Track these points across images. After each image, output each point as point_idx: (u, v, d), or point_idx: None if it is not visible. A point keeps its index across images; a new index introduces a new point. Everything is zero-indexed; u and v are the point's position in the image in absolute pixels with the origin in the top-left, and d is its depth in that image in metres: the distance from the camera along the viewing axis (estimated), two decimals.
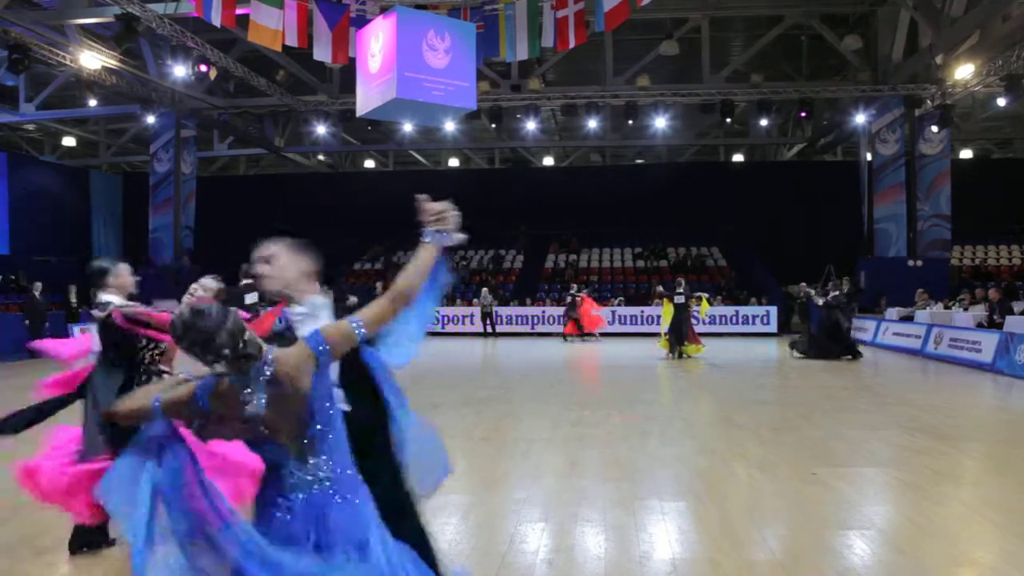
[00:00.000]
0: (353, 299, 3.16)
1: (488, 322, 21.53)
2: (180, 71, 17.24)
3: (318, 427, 2.18)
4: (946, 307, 16.95)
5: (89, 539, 4.05)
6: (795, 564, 3.87)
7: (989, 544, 4.23)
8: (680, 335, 14.53)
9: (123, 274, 4.05)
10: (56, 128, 26.93)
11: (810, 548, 4.11)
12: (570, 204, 28.16)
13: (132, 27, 14.98)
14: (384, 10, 11.30)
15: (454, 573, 2.77)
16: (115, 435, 3.51)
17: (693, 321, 15.26)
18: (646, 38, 20.79)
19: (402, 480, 2.81)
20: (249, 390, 2.12)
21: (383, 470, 2.71)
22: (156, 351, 3.98)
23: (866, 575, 3.71)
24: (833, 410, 8.39)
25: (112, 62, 18.12)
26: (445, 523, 4.53)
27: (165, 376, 3.82)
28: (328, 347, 2.22)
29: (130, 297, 4.13)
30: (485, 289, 22.25)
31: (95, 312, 3.95)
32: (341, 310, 2.90)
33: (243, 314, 2.14)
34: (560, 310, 22.46)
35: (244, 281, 9.27)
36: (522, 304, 23.19)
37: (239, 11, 11.96)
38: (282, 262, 2.75)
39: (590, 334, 19.64)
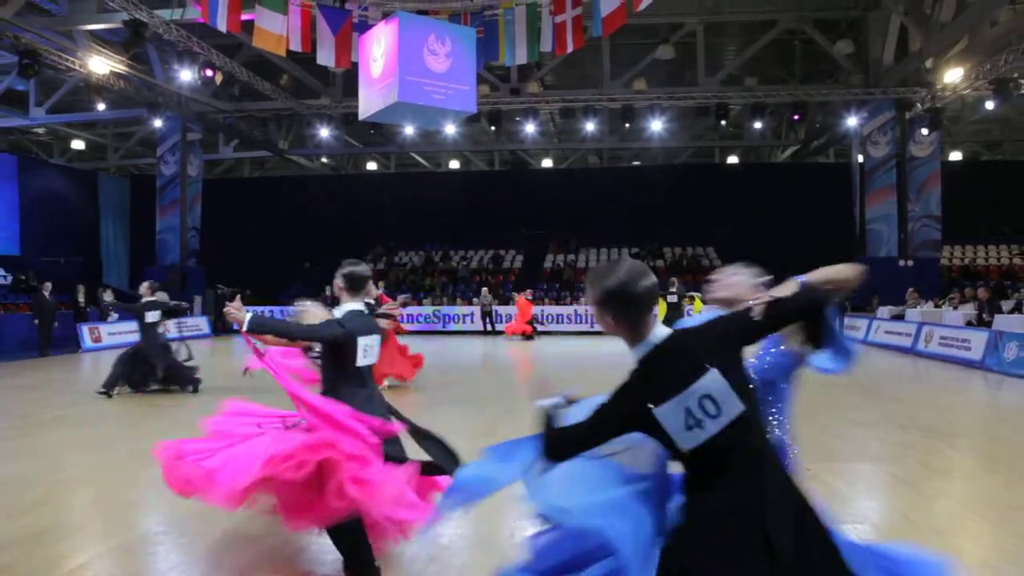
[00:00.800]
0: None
1: (488, 321, 21.52)
2: (186, 75, 17.21)
3: None
4: (936, 306, 16.94)
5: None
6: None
7: (980, 539, 4.21)
8: None
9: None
10: (65, 132, 26.90)
11: None
12: (568, 205, 28.17)
13: (139, 33, 14.96)
14: (386, 15, 11.31)
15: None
16: None
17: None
18: (643, 43, 20.79)
19: None
20: None
21: None
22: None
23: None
24: (827, 407, 8.37)
25: (120, 67, 18.11)
26: (446, 518, 4.50)
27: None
28: None
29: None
30: (485, 289, 22.25)
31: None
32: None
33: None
34: (559, 308, 22.47)
35: (147, 298, 9.89)
36: None
37: (244, 17, 11.96)
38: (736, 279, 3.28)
39: (528, 336, 19.64)
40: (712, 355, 2.04)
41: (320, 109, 21.80)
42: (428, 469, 3.60)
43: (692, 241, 27.58)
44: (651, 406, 2.01)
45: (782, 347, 2.98)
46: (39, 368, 13.48)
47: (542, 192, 28.94)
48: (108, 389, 9.52)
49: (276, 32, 11.67)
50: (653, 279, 2.17)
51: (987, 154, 30.25)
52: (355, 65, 11.08)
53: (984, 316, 14.08)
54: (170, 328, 11.08)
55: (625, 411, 2.09)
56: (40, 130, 26.66)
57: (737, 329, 2.17)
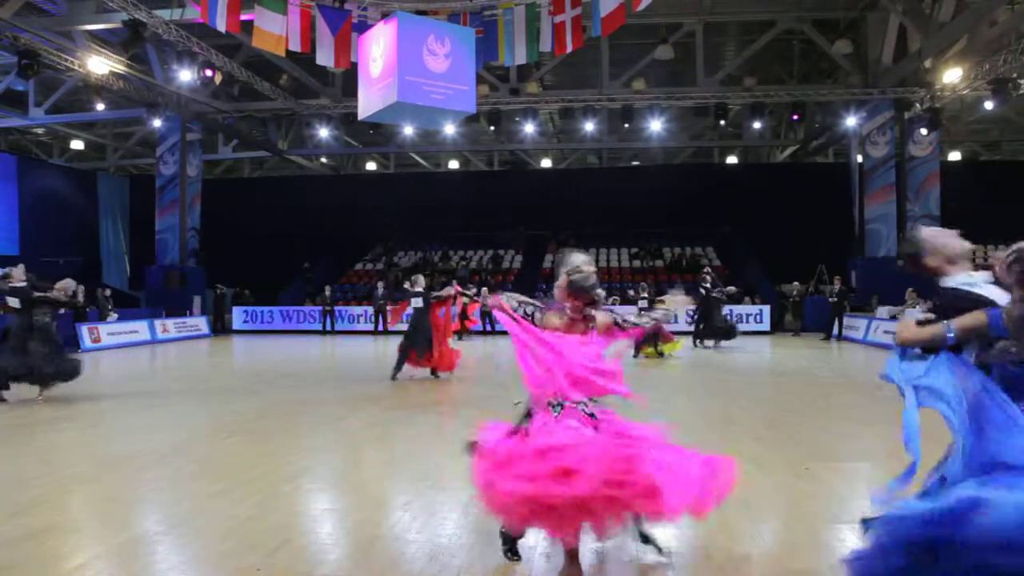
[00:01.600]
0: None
1: (487, 321, 21.52)
2: (186, 76, 17.22)
3: None
4: None
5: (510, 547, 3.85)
6: (789, 557, 3.86)
7: None
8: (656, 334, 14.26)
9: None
10: (64, 132, 26.91)
11: (803, 542, 4.10)
12: (567, 205, 28.18)
13: (139, 33, 14.97)
14: (385, 15, 11.31)
15: None
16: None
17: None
18: (642, 43, 20.80)
19: None
20: None
21: None
22: None
23: None
24: (827, 406, 8.38)
25: (119, 67, 18.11)
26: (445, 518, 4.51)
27: None
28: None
29: None
30: (485, 288, 22.22)
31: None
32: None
33: None
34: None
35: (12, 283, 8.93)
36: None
37: (243, 17, 11.96)
38: (938, 242, 3.38)
39: (458, 333, 19.42)
40: None
41: (319, 109, 21.81)
42: None
43: (691, 241, 27.59)
44: None
45: None
46: None
47: (541, 192, 28.96)
48: None
49: (275, 32, 11.67)
50: None
51: (986, 154, 30.28)
52: (354, 65, 11.08)
53: None
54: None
55: None
56: (39, 130, 26.67)
57: None
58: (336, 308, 22.88)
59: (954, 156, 29.08)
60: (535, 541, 4.09)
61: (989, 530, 2.35)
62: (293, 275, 26.79)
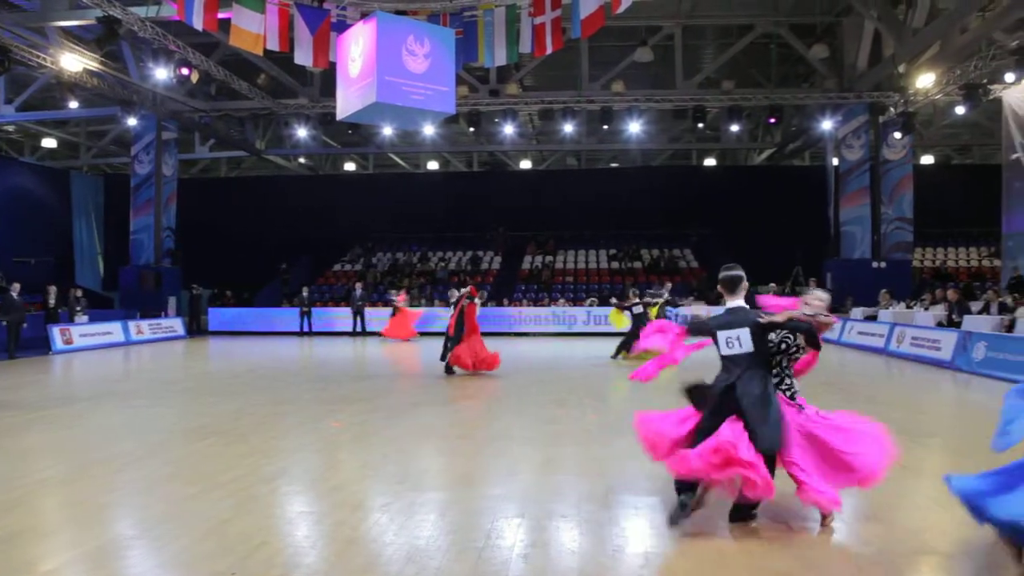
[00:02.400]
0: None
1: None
2: (161, 74, 17.02)
3: None
4: (908, 307, 17.21)
5: (745, 513, 4.42)
6: (763, 555, 3.91)
7: (948, 535, 4.30)
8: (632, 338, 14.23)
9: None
10: (36, 129, 26.48)
11: (777, 540, 4.15)
12: (547, 206, 28.24)
13: (113, 30, 14.78)
14: (364, 15, 11.27)
15: None
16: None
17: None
18: (621, 45, 20.91)
19: None
20: None
21: None
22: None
23: (830, 565, 3.76)
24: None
25: (93, 64, 17.86)
26: (423, 520, 4.51)
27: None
28: None
29: None
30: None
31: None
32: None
33: None
34: (537, 310, 22.53)
35: None
36: (500, 304, 23.18)
37: (221, 15, 11.84)
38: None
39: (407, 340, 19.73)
40: None
41: (298, 109, 21.67)
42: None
43: (670, 243, 27.77)
44: None
45: None
46: (8, 371, 13.26)
47: (520, 193, 29.00)
48: None
49: (253, 31, 11.59)
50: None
51: (957, 158, 30.80)
52: (333, 65, 11.03)
53: (954, 317, 14.33)
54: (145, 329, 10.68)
55: None
56: (10, 128, 26.20)
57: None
58: (314, 309, 22.73)
59: (927, 160, 29.56)
60: (512, 542, 4.11)
61: None
62: (270, 276, 26.59)
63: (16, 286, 16.10)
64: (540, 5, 11.96)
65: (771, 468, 4.17)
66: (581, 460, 6.06)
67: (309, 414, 8.41)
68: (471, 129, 21.57)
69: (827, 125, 21.38)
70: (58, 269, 25.37)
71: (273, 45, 11.67)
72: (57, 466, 5.93)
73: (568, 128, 21.47)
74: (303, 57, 11.74)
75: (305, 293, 22.58)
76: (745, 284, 4.61)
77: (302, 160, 31.11)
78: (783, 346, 4.64)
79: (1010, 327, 12.68)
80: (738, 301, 4.57)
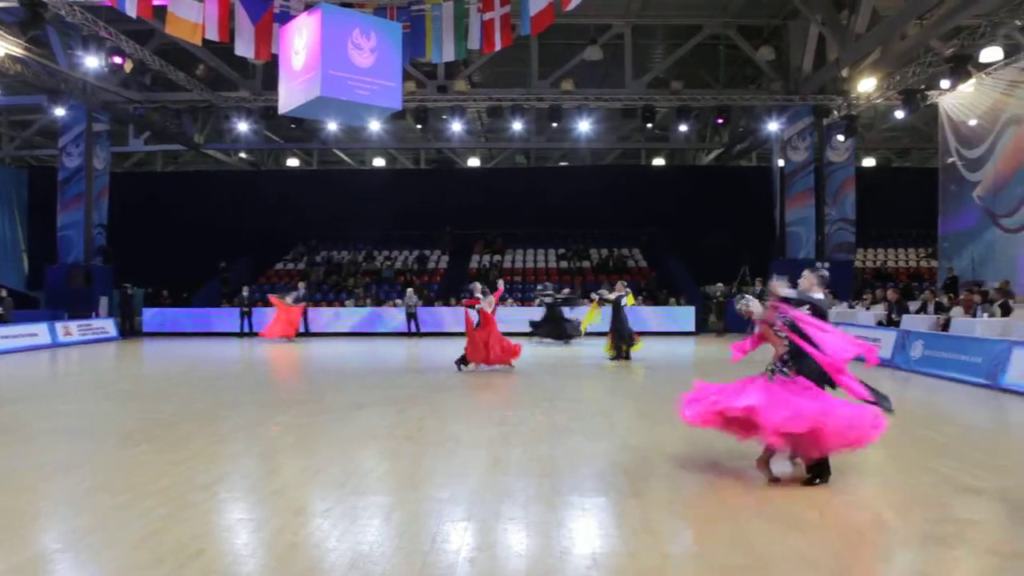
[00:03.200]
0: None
1: (413, 322, 21.36)
2: (92, 62, 16.44)
3: None
4: (850, 307, 17.78)
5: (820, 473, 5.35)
6: (710, 554, 3.98)
7: (888, 529, 4.44)
8: (624, 335, 14.39)
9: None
10: None
11: (724, 539, 4.23)
12: (495, 205, 28.28)
13: (38, 13, 14.21)
14: (309, 6, 11.08)
15: None
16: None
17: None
18: (571, 43, 21.06)
19: None
20: None
21: None
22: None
23: (775, 563, 3.85)
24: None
25: (16, 50, 17.12)
26: (367, 524, 4.46)
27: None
28: None
29: None
30: (410, 289, 22.07)
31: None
32: None
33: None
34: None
35: None
36: (447, 304, 23.11)
37: (156, 2, 11.49)
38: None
39: (286, 337, 19.91)
40: None
41: (238, 102, 21.20)
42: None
43: (618, 242, 28.09)
44: None
45: None
46: None
47: (468, 191, 28.97)
48: None
49: (191, 20, 11.27)
50: None
51: (897, 161, 31.95)
52: (275, 57, 10.81)
53: (893, 316, 14.86)
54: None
55: None
56: None
57: None
58: (254, 309, 22.29)
59: (868, 162, 30.57)
60: (459, 546, 4.10)
61: None
62: (209, 275, 25.95)
63: None
64: (489, 1, 11.94)
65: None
66: (529, 461, 6.07)
67: (248, 418, 8.24)
68: (418, 126, 21.44)
69: (773, 126, 21.93)
70: None
71: (212, 35, 11.37)
72: None
73: (517, 126, 21.53)
74: (244, 48, 11.47)
75: (245, 293, 22.12)
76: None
77: (243, 155, 30.48)
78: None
79: (945, 326, 13.21)
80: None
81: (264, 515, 4.72)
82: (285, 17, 11.39)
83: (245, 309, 21.71)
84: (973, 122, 18.18)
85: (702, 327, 22.38)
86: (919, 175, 27.72)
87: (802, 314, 5.44)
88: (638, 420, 8.01)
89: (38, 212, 26.28)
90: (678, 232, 27.37)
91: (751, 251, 23.79)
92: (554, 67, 20.98)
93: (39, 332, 18.14)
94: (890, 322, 14.79)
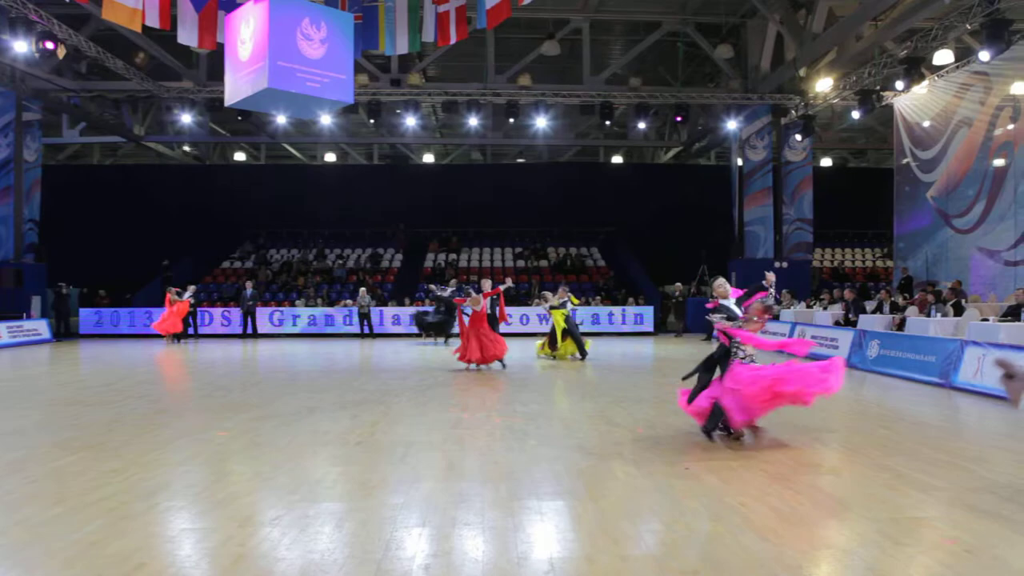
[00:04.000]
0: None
1: (365, 323, 21.20)
2: (21, 47, 15.93)
3: None
4: (808, 306, 18.20)
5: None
6: (667, 557, 4.04)
7: (843, 527, 4.57)
8: (578, 339, 14.84)
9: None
10: None
11: (682, 541, 4.30)
12: (450, 202, 28.25)
13: None
14: None
15: None
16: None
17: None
18: (528, 37, 21.15)
19: None
20: None
21: None
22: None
23: (733, 563, 3.92)
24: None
25: None
26: (317, 532, 4.42)
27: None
28: None
29: None
30: (363, 289, 21.90)
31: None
32: None
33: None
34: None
35: None
36: (400, 304, 22.98)
37: None
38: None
39: (177, 336, 20.07)
40: None
41: (181, 93, 20.77)
42: None
43: (576, 241, 28.29)
44: None
45: None
46: None
47: (423, 188, 28.88)
48: None
49: (129, 5, 10.98)
50: None
51: (854, 161, 32.82)
52: (221, 47, 10.61)
53: (850, 316, 15.26)
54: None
55: None
56: None
57: None
58: (199, 309, 21.88)
59: (826, 162, 31.35)
60: (413, 552, 4.08)
61: None
62: (151, 274, 25.35)
63: None
64: None
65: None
66: (485, 465, 6.08)
67: (193, 423, 8.08)
68: (371, 120, 21.29)
69: (732, 125, 22.33)
70: None
71: (153, 22, 11.10)
72: None
73: (473, 121, 21.52)
74: (187, 37, 11.23)
75: (190, 292, 21.67)
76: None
77: (187, 148, 29.88)
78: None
79: (900, 326, 13.62)
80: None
81: (209, 525, 4.63)
82: (231, 5, 11.18)
83: (189, 309, 21.30)
84: (926, 123, 18.77)
85: (661, 327, 22.67)
86: (875, 176, 28.58)
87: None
88: (595, 422, 8.08)
89: None
90: (636, 231, 27.69)
91: (710, 250, 24.17)
92: (511, 62, 21.03)
93: None
94: (847, 322, 15.19)
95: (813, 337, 15.37)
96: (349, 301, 22.80)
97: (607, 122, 21.76)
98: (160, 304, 23.07)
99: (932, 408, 9.45)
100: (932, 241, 18.77)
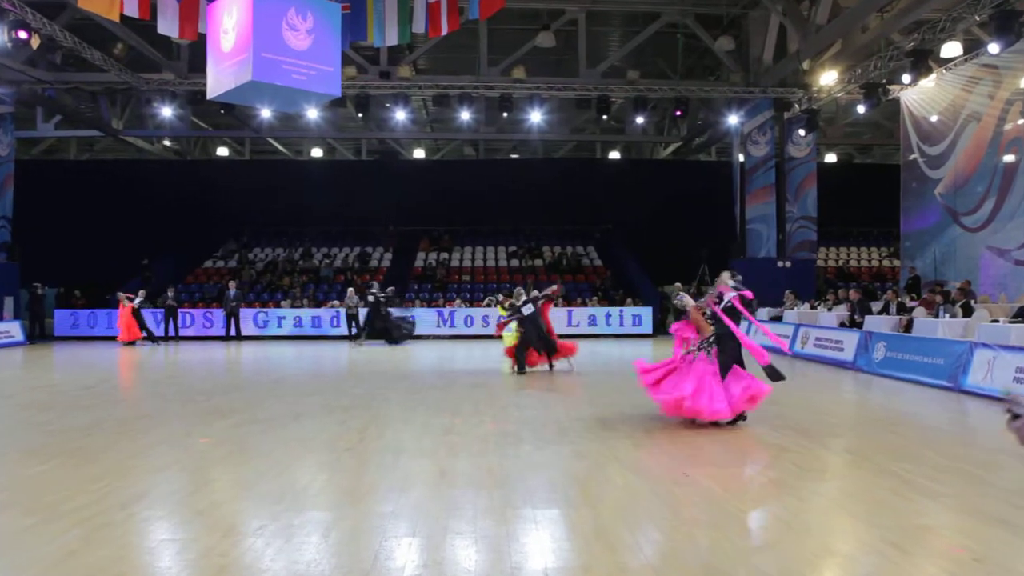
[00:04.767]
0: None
1: (354, 324, 21.17)
2: None
3: None
4: (812, 307, 18.25)
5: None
6: (665, 566, 4.04)
7: (846, 535, 4.59)
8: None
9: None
10: None
11: (681, 549, 4.31)
12: (442, 199, 28.21)
13: None
14: None
15: None
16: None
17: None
18: (522, 28, 21.14)
19: None
20: None
21: None
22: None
23: (734, 573, 3.93)
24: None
25: None
26: (303, 542, 4.41)
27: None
28: None
29: None
30: (351, 289, 21.88)
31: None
32: None
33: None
34: (431, 311, 22.45)
35: None
36: (390, 305, 22.95)
37: None
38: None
39: (131, 343, 20.03)
40: None
41: (162, 85, 20.70)
42: None
43: (572, 239, 28.31)
44: None
45: None
46: None
47: (413, 185, 28.83)
48: None
49: None
50: None
51: (859, 157, 32.91)
52: (203, 37, 10.58)
53: (855, 317, 15.31)
54: None
55: None
56: None
57: None
58: (180, 310, 21.83)
59: (830, 158, 31.42)
60: (403, 563, 4.08)
61: None
62: (130, 273, 25.25)
63: None
64: None
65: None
66: (477, 471, 6.09)
67: (173, 429, 8.06)
68: (359, 114, 21.25)
69: (733, 120, 22.35)
70: None
71: (132, 11, 11.07)
72: None
73: (465, 115, 21.51)
74: (167, 27, 11.19)
75: (170, 293, 21.64)
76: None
77: (167, 143, 29.78)
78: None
79: (908, 327, 13.67)
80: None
81: (191, 535, 4.62)
82: None
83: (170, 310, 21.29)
84: (934, 118, 18.85)
85: (660, 329, 22.70)
86: (881, 172, 28.64)
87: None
88: (592, 427, 8.08)
89: None
90: (635, 229, 27.71)
91: (711, 249, 24.20)
92: (504, 54, 21.02)
93: None
94: (852, 323, 15.24)
95: (818, 340, 15.43)
96: (336, 302, 22.77)
97: (604, 116, 21.76)
98: (140, 305, 22.97)
99: (940, 412, 9.49)
100: (940, 240, 18.84)
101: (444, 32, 12.27)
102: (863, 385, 11.90)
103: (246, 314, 21.88)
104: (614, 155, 32.06)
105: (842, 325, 15.48)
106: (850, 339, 14.13)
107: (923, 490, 5.51)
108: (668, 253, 26.19)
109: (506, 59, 20.95)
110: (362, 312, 20.57)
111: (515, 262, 27.09)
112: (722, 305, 7.96)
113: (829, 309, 17.23)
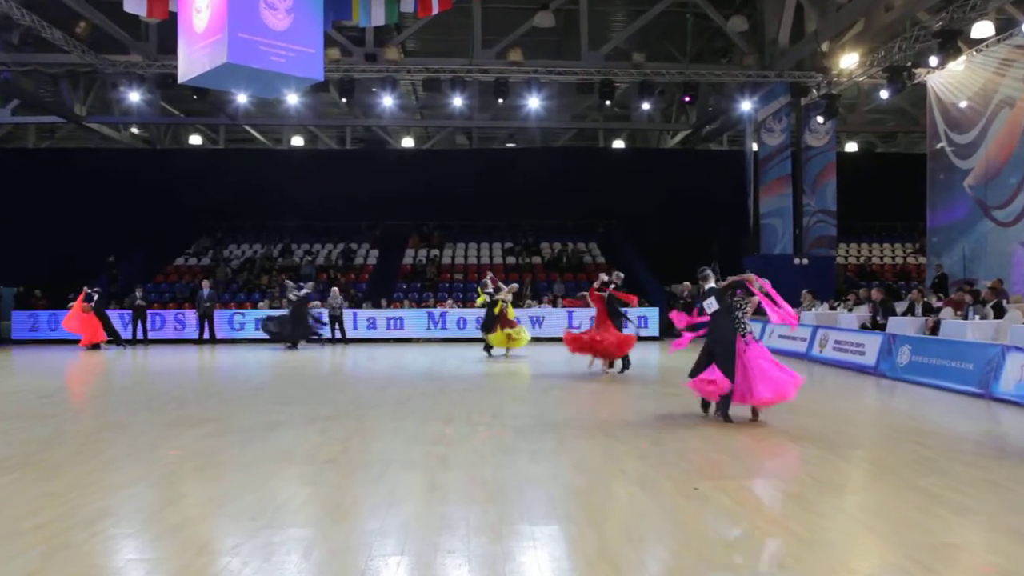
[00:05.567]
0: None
1: (337, 327, 21.17)
2: None
3: None
4: (831, 308, 18.27)
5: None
6: None
7: (868, 553, 4.59)
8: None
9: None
10: None
11: (690, 568, 4.31)
12: (432, 192, 28.20)
13: None
14: None
15: None
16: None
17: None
18: (519, 7, 21.16)
19: None
20: None
21: None
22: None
23: None
24: (716, 418, 8.84)
25: None
26: (283, 561, 4.41)
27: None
28: None
29: None
30: (335, 289, 21.87)
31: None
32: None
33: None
34: (420, 312, 22.47)
35: None
36: (376, 306, 22.96)
37: None
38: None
39: (96, 345, 20.25)
40: None
41: (129, 67, 20.66)
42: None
43: (573, 235, 28.32)
44: None
45: None
46: None
47: (401, 176, 28.82)
48: None
49: None
50: None
51: (882, 146, 32.99)
52: (173, 16, 10.57)
53: (878, 319, 15.34)
54: None
55: None
56: None
57: None
58: (149, 312, 21.80)
59: (851, 147, 31.52)
60: (394, 569, 4.08)
61: None
62: (94, 272, 25.22)
63: None
64: None
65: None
66: (471, 485, 6.09)
67: (142, 440, 8.04)
68: (343, 100, 21.26)
69: (746, 106, 22.37)
70: None
71: None
72: None
73: (457, 101, 21.51)
74: (135, 5, 11.15)
75: (138, 293, 21.61)
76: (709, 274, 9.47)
77: (135, 130, 29.77)
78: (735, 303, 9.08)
79: (934, 329, 13.69)
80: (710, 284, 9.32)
81: (161, 554, 4.62)
82: None
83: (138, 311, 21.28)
84: (963, 104, 18.89)
85: (667, 331, 22.71)
86: (906, 162, 28.71)
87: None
88: (594, 437, 8.09)
89: None
90: (640, 224, 27.72)
91: (722, 246, 24.23)
92: (500, 35, 21.02)
93: None
94: (875, 325, 15.26)
95: (837, 343, 15.46)
96: (319, 303, 22.76)
97: (607, 102, 21.78)
98: (104, 306, 22.95)
99: (969, 421, 9.51)
100: (969, 235, 18.89)
101: (435, 11, 12.22)
102: (886, 392, 11.92)
103: (221, 316, 21.86)
104: (618, 144, 32.09)
105: (863, 327, 15.50)
106: (872, 342, 14.15)
107: (951, 505, 5.52)
108: (676, 249, 26.20)
109: (502, 40, 20.94)
110: (282, 312, 21.00)
111: (511, 260, 27.10)
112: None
113: (849, 310, 17.26)
